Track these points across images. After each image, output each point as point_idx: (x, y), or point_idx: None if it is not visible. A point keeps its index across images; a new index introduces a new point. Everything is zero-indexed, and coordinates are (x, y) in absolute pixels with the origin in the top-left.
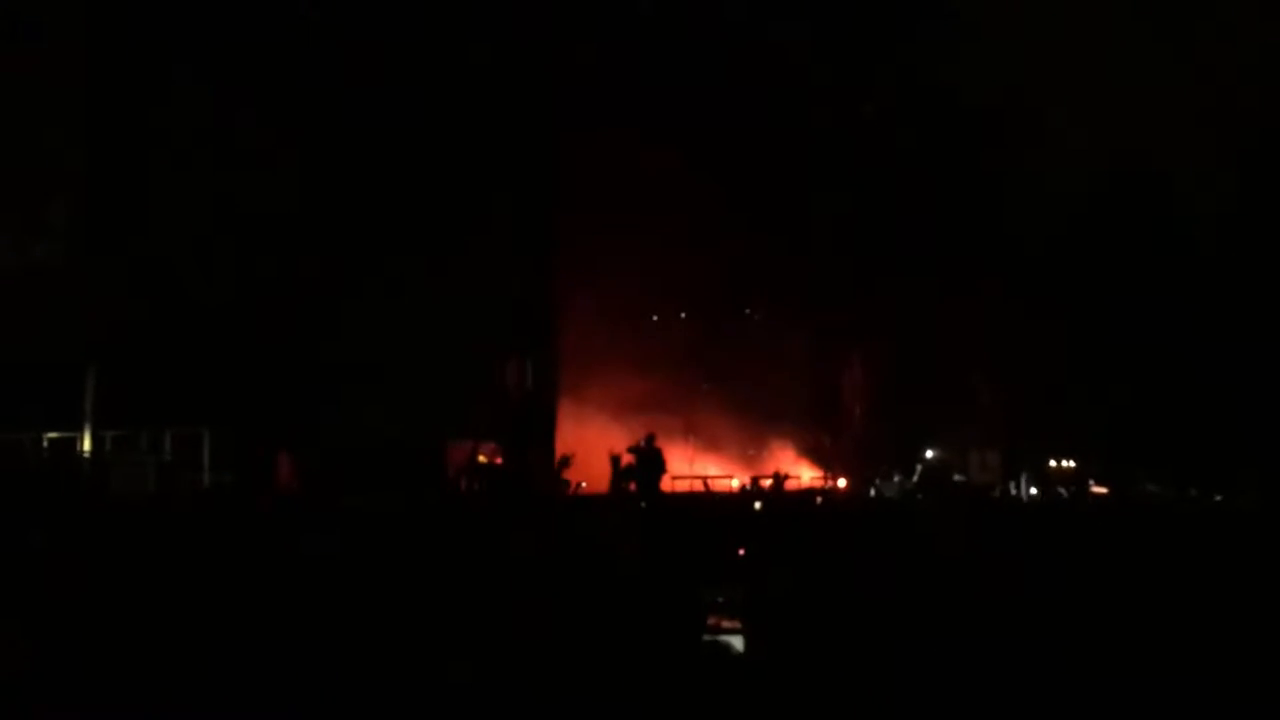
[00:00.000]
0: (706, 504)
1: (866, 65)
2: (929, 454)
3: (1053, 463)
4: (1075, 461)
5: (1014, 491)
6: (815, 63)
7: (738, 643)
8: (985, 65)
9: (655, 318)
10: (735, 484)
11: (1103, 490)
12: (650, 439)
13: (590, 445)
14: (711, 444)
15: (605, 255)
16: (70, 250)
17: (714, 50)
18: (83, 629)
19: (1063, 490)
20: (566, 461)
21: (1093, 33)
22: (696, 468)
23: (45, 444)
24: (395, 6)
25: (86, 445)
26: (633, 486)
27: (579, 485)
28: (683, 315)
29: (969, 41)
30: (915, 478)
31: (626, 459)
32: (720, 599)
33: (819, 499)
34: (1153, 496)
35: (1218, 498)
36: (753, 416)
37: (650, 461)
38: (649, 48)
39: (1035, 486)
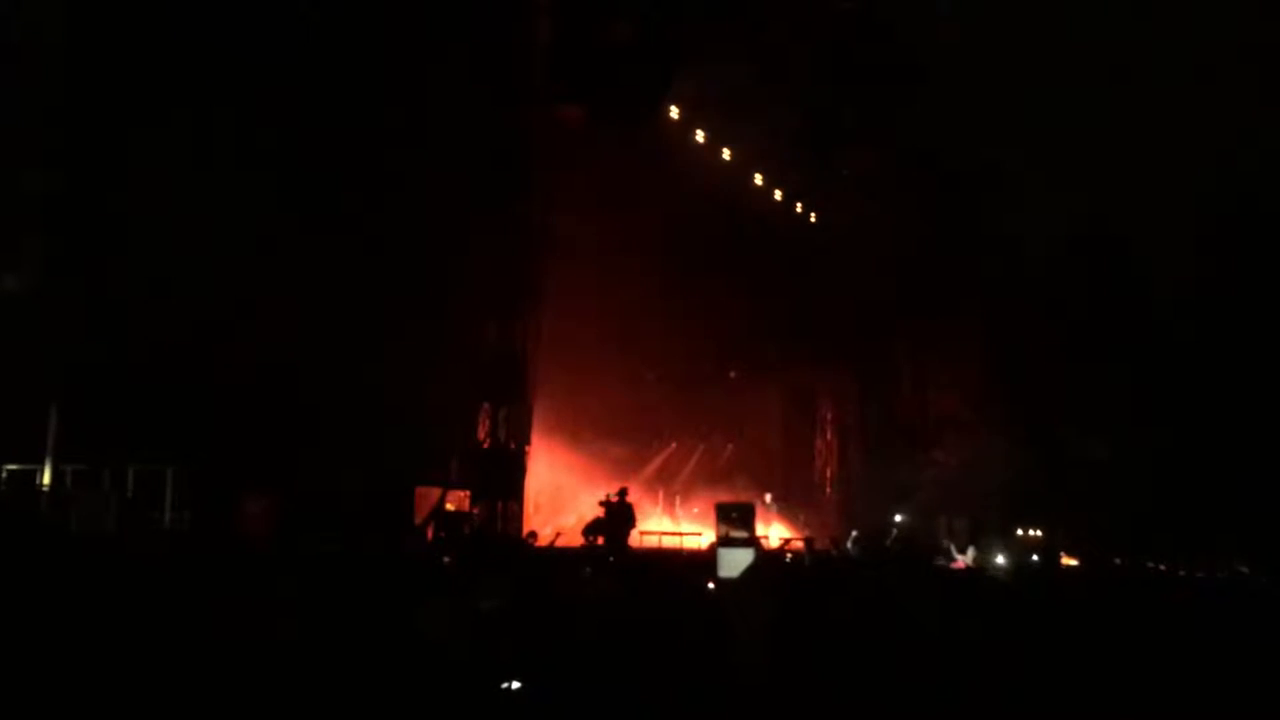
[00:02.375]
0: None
1: (844, 133)
2: (898, 518)
3: (1020, 531)
4: (1043, 530)
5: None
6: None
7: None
8: (956, 134)
9: (628, 373)
10: (705, 543)
11: (1073, 561)
12: (622, 493)
13: (561, 496)
14: (683, 500)
15: (580, 308)
16: (36, 281)
17: (691, 116)
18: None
19: (1035, 557)
20: (534, 535)
21: (1060, 101)
22: (667, 523)
23: (4, 475)
24: (361, 64)
25: (46, 479)
26: (600, 540)
27: (556, 536)
28: (656, 371)
29: (940, 112)
30: (889, 541)
31: (596, 512)
32: None
33: (789, 557)
34: (1121, 569)
35: (1181, 572)
36: (724, 474)
37: (620, 515)
38: (620, 105)
39: (1003, 555)
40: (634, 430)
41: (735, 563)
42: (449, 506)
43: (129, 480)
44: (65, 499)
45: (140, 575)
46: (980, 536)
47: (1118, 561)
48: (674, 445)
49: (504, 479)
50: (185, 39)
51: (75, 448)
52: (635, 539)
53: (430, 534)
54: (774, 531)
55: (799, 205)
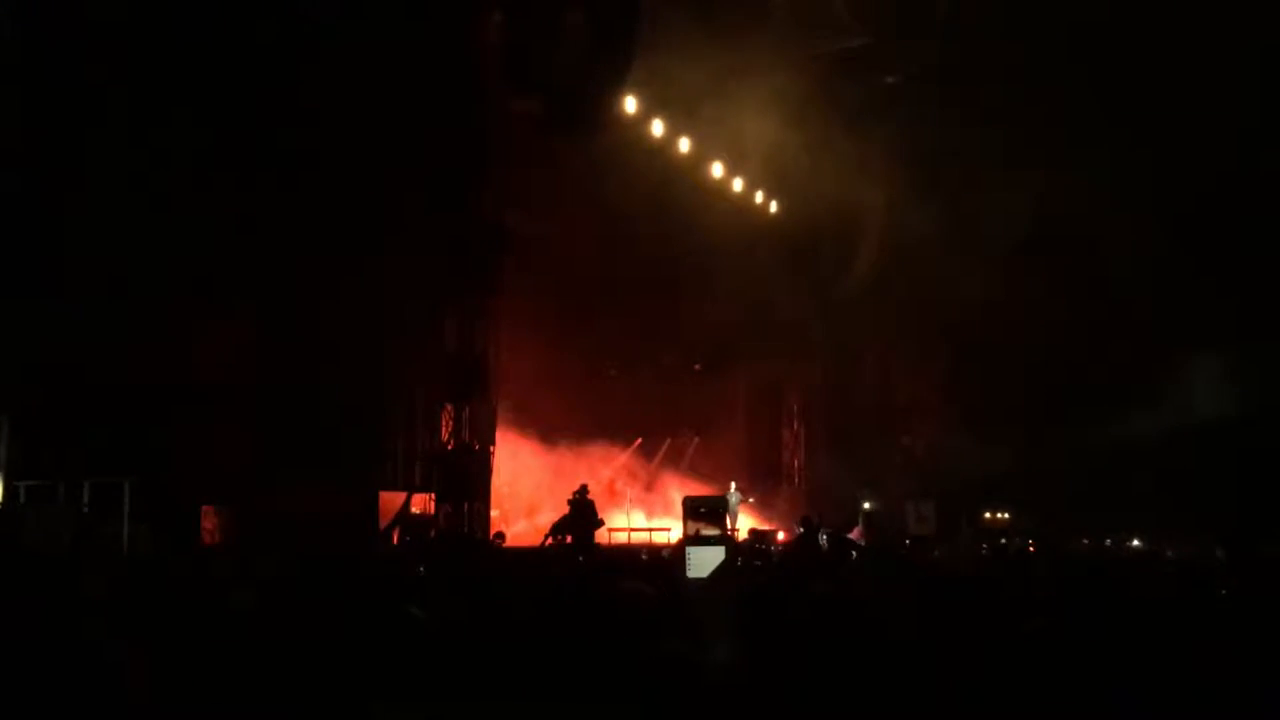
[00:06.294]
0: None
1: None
2: (866, 505)
3: (987, 514)
4: (1009, 514)
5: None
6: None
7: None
8: (920, 119)
9: (592, 368)
10: (673, 538)
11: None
12: (583, 490)
13: (528, 496)
14: (648, 495)
15: (541, 305)
16: None
17: (649, 109)
18: None
19: (1003, 540)
20: (501, 536)
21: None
22: (638, 518)
23: None
24: (313, 61)
25: None
26: (569, 539)
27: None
28: (619, 366)
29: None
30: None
31: (563, 510)
32: None
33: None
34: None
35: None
36: (691, 467)
37: (584, 514)
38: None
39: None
40: (599, 426)
41: (705, 562)
42: (413, 510)
43: (85, 494)
44: (17, 515)
45: (97, 592)
46: (946, 520)
47: (1085, 542)
48: (639, 440)
49: (468, 480)
50: (123, 31)
51: (28, 462)
52: (604, 536)
53: (395, 539)
54: (744, 524)
55: (759, 195)
